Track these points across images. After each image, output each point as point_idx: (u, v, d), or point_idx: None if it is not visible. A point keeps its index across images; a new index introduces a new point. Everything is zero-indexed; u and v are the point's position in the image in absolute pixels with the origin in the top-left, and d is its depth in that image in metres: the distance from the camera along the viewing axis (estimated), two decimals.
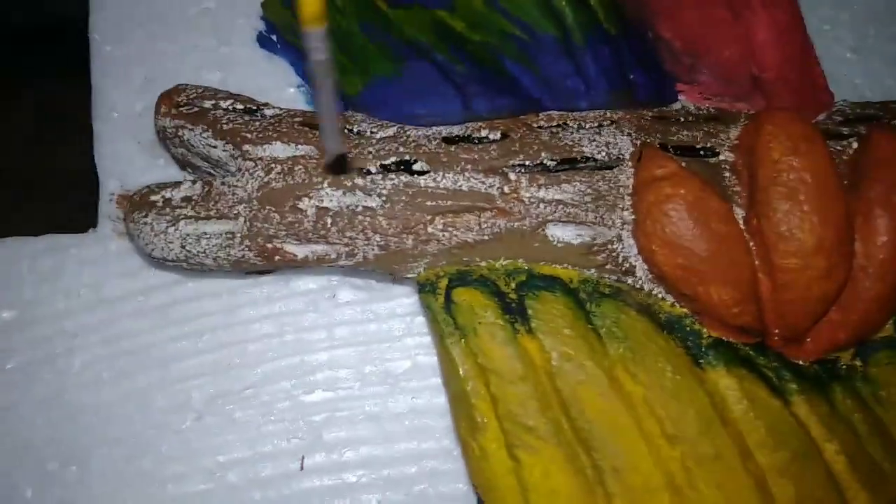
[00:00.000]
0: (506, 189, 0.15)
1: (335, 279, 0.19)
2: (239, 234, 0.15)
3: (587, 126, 0.16)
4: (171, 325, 0.18)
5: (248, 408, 0.18)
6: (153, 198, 0.15)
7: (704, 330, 0.16)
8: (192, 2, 0.20)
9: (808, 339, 0.16)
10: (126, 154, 0.19)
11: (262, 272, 0.18)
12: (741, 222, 0.15)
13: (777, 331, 0.15)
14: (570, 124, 0.16)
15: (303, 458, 0.18)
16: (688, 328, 0.16)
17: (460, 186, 0.15)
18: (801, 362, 0.16)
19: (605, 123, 0.16)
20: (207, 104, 0.16)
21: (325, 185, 0.15)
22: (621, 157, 0.16)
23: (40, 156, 0.22)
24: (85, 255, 0.18)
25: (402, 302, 0.19)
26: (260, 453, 0.18)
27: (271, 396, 0.18)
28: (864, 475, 0.15)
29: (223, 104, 0.16)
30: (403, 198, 0.15)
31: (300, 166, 0.15)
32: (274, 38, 0.20)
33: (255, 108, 0.16)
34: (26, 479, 0.17)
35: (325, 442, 0.18)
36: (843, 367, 0.16)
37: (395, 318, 0.19)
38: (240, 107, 0.16)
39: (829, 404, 0.16)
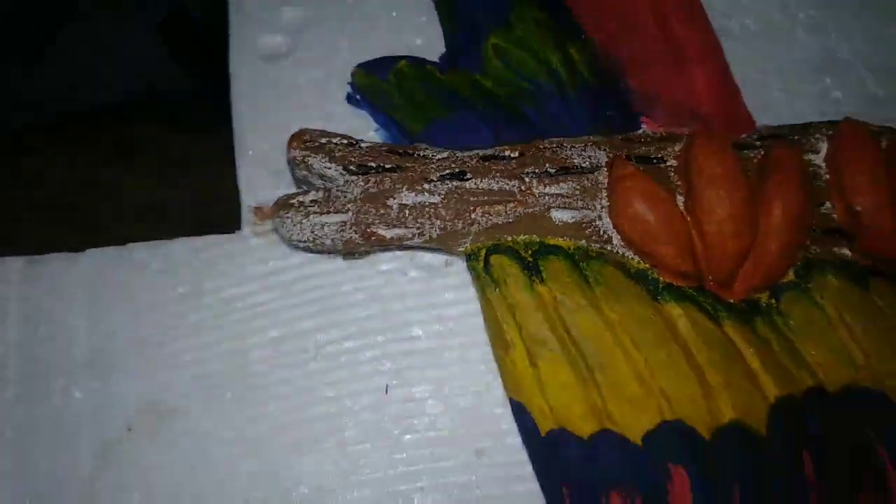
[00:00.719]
0: (522, 188, 0.23)
1: (406, 261, 0.27)
2: (348, 223, 0.23)
3: (576, 146, 0.23)
4: (293, 295, 0.26)
5: (348, 351, 0.26)
6: (291, 201, 0.23)
7: (660, 277, 0.23)
8: (299, 69, 0.28)
9: (735, 284, 0.23)
10: (259, 180, 0.27)
11: (358, 256, 0.25)
12: (681, 205, 0.22)
13: (710, 277, 0.22)
14: (565, 145, 0.24)
15: (387, 386, 0.25)
16: (649, 277, 0.23)
17: (492, 187, 0.23)
18: (731, 301, 0.23)
19: (588, 144, 0.23)
20: (323, 140, 0.24)
21: (404, 189, 0.23)
22: (599, 164, 0.23)
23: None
24: (234, 248, 0.26)
25: (452, 280, 0.27)
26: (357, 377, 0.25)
27: (364, 342, 0.26)
28: (774, 372, 0.21)
29: (334, 140, 0.24)
30: (455, 195, 0.23)
31: (388, 178, 0.23)
32: (358, 97, 0.28)
33: (354, 142, 0.24)
34: None
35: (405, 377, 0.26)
36: (763, 304, 0.23)
37: (449, 290, 0.27)
38: (344, 142, 0.24)
39: (752, 329, 0.22)
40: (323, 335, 0.26)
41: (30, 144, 0.35)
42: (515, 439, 0.24)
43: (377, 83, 0.26)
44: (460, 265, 0.26)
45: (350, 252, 0.25)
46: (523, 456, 0.24)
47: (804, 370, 0.22)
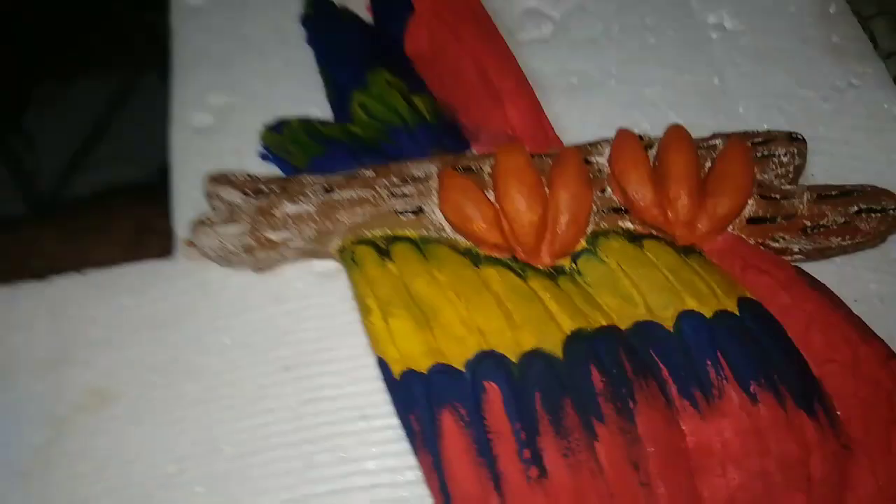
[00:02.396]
0: (375, 194, 0.30)
1: (305, 270, 0.33)
2: (246, 231, 0.30)
3: (416, 165, 0.31)
4: (212, 299, 0.32)
5: (257, 342, 0.31)
6: (203, 219, 0.30)
7: (481, 252, 0.29)
8: (223, 139, 0.36)
9: (541, 254, 0.29)
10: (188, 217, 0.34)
11: (265, 268, 0.31)
12: (491, 198, 0.29)
13: (519, 248, 0.29)
14: (409, 165, 0.31)
15: (288, 366, 0.31)
16: (472, 252, 0.29)
17: (353, 196, 0.30)
18: (540, 267, 0.29)
19: (425, 162, 0.31)
20: (230, 177, 0.31)
21: (286, 202, 0.30)
22: (432, 174, 0.30)
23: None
24: (167, 269, 0.33)
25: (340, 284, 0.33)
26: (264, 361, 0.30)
27: (269, 334, 0.32)
28: (569, 312, 0.27)
29: (238, 176, 0.31)
30: (325, 204, 0.30)
31: (274, 196, 0.30)
32: (268, 155, 0.35)
33: (253, 177, 0.31)
34: None
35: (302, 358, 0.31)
36: (567, 268, 0.29)
37: (338, 291, 0.33)
38: (247, 176, 0.31)
39: (555, 284, 0.28)
40: (236, 331, 0.32)
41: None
42: (389, 407, 0.30)
43: (277, 137, 0.33)
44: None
45: (257, 265, 0.31)
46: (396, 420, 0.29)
47: (598, 312, 0.27)
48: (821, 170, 0.34)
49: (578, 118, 0.37)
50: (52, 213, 0.47)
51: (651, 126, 0.36)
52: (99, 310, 0.32)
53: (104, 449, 0.29)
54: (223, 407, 0.30)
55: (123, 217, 0.43)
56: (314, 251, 0.30)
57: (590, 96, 0.37)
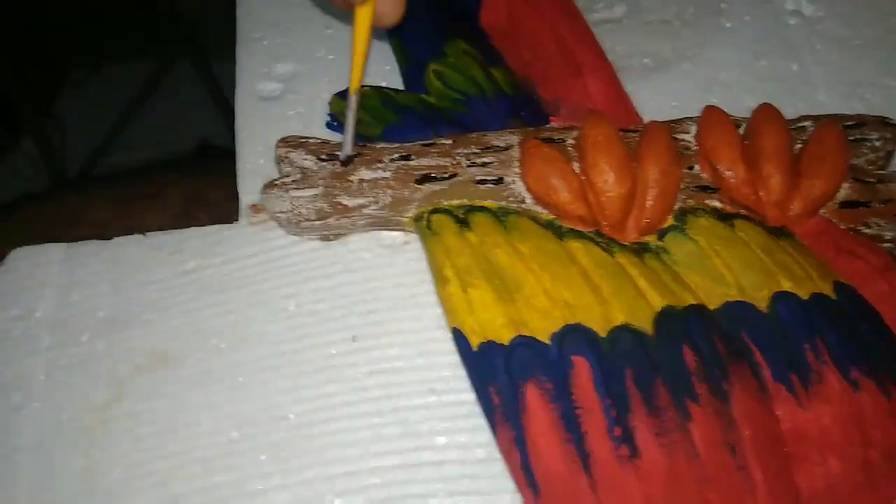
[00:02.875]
0: (454, 163, 0.29)
1: (372, 241, 0.32)
2: (319, 195, 0.28)
3: (498, 134, 0.30)
4: (279, 268, 0.31)
5: (323, 311, 0.30)
6: (276, 182, 0.29)
7: (564, 225, 0.28)
8: (289, 106, 0.36)
9: (627, 229, 0.28)
10: (255, 186, 0.33)
11: (332, 237, 0.30)
12: (577, 169, 0.28)
13: (605, 222, 0.27)
14: (489, 135, 0.30)
15: (354, 336, 0.30)
16: (555, 224, 0.28)
17: (430, 163, 0.29)
18: (625, 243, 0.28)
19: (504, 134, 0.30)
20: (301, 140, 0.30)
21: (362, 168, 0.29)
22: (512, 144, 0.29)
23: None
24: (232, 234, 0.32)
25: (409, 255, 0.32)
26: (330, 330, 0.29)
27: (335, 303, 0.30)
28: (658, 289, 0.26)
29: (310, 140, 0.30)
30: (402, 171, 0.29)
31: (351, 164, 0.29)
32: (335, 123, 0.34)
33: (326, 142, 0.30)
34: None
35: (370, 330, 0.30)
36: (651, 245, 0.28)
37: (408, 262, 0.32)
38: (318, 141, 0.30)
39: (641, 261, 0.27)
40: (302, 298, 0.31)
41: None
42: (461, 382, 0.29)
43: (346, 105, 0.32)
44: (416, 245, 0.32)
45: (326, 233, 0.30)
46: (468, 395, 0.28)
47: (686, 291, 0.26)
48: None
49: (651, 100, 0.35)
50: (102, 183, 0.47)
51: (726, 110, 0.35)
52: (162, 272, 0.31)
53: (165, 412, 0.28)
54: (288, 374, 0.28)
55: (175, 187, 0.42)
56: (387, 220, 0.29)
57: (663, 78, 0.36)
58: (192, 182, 0.43)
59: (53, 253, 0.31)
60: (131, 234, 0.33)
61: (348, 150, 0.29)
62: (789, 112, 0.34)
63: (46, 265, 0.31)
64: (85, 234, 0.33)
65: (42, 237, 0.33)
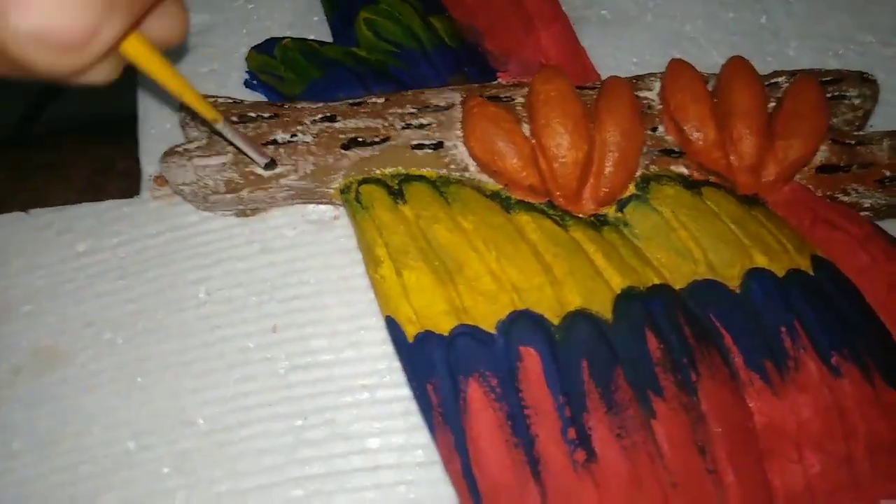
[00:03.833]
0: (386, 124, 0.25)
1: (296, 216, 0.29)
2: (228, 163, 0.25)
3: (437, 92, 0.26)
4: (188, 248, 0.27)
5: (239, 297, 0.26)
6: (177, 149, 0.25)
7: (512, 196, 0.25)
8: (202, 63, 0.31)
9: (583, 199, 0.25)
10: (158, 154, 0.29)
11: (249, 212, 0.27)
12: (527, 132, 0.25)
13: (558, 193, 0.24)
14: (427, 93, 0.26)
15: (275, 325, 0.26)
16: (502, 195, 0.25)
17: (359, 125, 0.25)
18: (581, 215, 0.25)
19: (445, 91, 0.26)
20: (210, 100, 0.26)
21: (279, 132, 0.25)
22: (454, 103, 0.25)
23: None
24: (132, 210, 0.28)
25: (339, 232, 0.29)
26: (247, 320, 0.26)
27: (254, 289, 0.27)
28: (618, 267, 0.23)
29: (219, 99, 0.26)
30: (326, 134, 0.25)
31: (265, 124, 0.25)
32: (254, 82, 0.30)
33: (237, 101, 0.26)
34: None
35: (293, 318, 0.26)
36: (611, 218, 0.25)
37: (337, 240, 0.28)
38: (230, 100, 0.26)
39: (599, 235, 0.24)
40: (214, 283, 0.27)
41: None
42: (396, 376, 0.25)
43: (266, 60, 0.28)
44: (346, 220, 0.28)
45: (241, 207, 0.27)
46: (405, 391, 0.25)
47: (649, 269, 0.23)
48: (881, 120, 0.31)
49: (611, 55, 0.32)
50: None
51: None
52: (48, 255, 0.26)
53: (49, 421, 0.24)
54: (197, 373, 0.25)
55: (81, 156, 0.38)
56: (311, 191, 0.25)
57: (623, 31, 0.33)
58: (106, 152, 0.38)
59: None
60: (28, 209, 0.28)
61: (262, 160, 0.24)
62: (759, 68, 0.30)
63: None
64: None
65: None
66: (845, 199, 0.26)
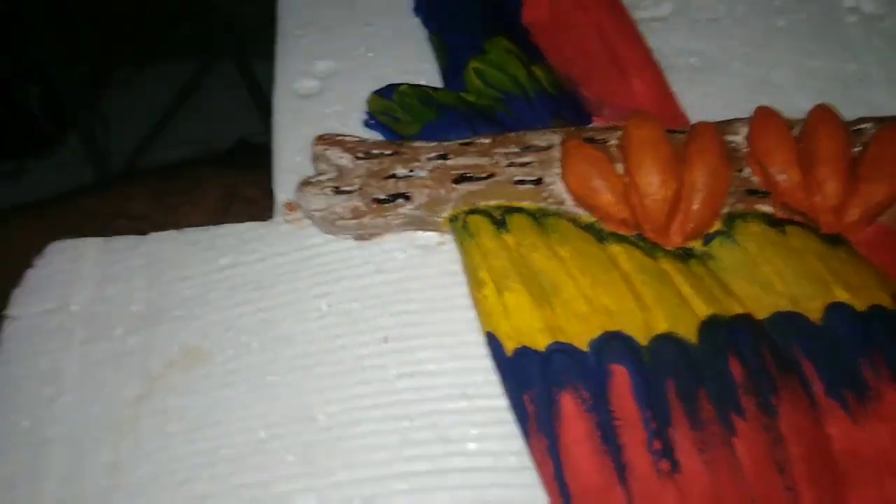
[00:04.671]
0: (492, 162, 0.28)
1: (406, 242, 0.32)
2: (355, 193, 0.28)
3: (539, 133, 0.29)
4: (312, 267, 0.31)
5: (355, 310, 0.29)
6: (311, 179, 0.29)
7: (605, 228, 0.27)
8: (326, 104, 0.35)
9: (671, 233, 0.27)
10: (291, 184, 0.33)
11: (367, 237, 0.30)
12: (620, 170, 0.27)
13: (648, 227, 0.27)
14: (529, 134, 0.29)
15: (386, 336, 0.29)
16: (596, 227, 0.27)
17: (468, 163, 0.28)
18: (669, 248, 0.27)
19: (545, 133, 0.29)
20: (338, 138, 0.30)
21: (399, 167, 0.28)
22: (554, 143, 0.28)
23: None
24: (267, 231, 0.32)
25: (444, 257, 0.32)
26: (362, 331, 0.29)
27: (368, 303, 0.30)
28: (704, 296, 0.25)
29: (347, 138, 0.30)
30: (439, 170, 0.28)
31: (387, 160, 0.29)
32: (373, 122, 0.34)
33: (363, 140, 0.30)
34: None
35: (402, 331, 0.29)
36: (697, 251, 0.27)
37: (441, 265, 0.31)
38: (356, 139, 0.30)
39: (686, 266, 0.26)
40: (335, 297, 0.30)
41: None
42: (494, 388, 0.28)
43: (385, 103, 0.32)
44: (451, 246, 0.31)
45: (360, 232, 0.30)
46: (501, 401, 0.27)
47: (733, 299, 0.25)
48: None
49: (699, 101, 0.34)
50: (138, 180, 0.48)
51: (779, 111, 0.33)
52: (195, 268, 0.31)
53: (195, 409, 0.28)
54: (318, 375, 0.28)
55: (212, 183, 0.43)
56: (423, 220, 0.29)
57: (712, 78, 0.35)
58: (230, 179, 0.43)
59: (90, 247, 0.31)
60: (168, 229, 0.33)
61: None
62: (846, 115, 0.32)
63: (83, 259, 0.31)
64: (123, 229, 0.34)
65: (82, 232, 0.33)
66: None
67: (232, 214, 0.36)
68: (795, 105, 0.34)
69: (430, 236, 0.32)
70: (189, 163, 0.49)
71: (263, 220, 0.33)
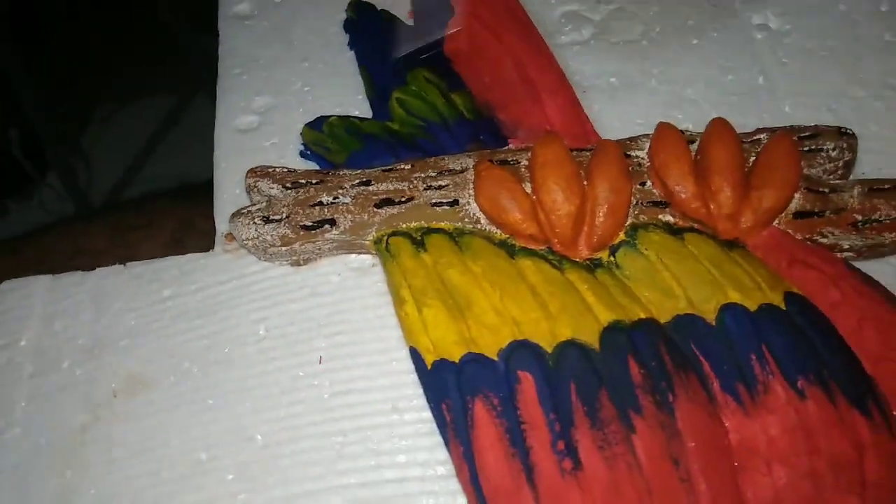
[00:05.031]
0: (411, 187, 0.30)
1: (340, 265, 0.33)
2: (283, 221, 0.30)
3: (453, 158, 0.31)
4: (251, 293, 0.33)
5: (292, 333, 0.31)
6: (243, 210, 0.30)
7: (517, 243, 0.29)
8: (265, 137, 0.37)
9: (578, 246, 0.28)
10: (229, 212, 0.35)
11: (302, 262, 0.32)
12: (528, 189, 0.29)
13: (556, 240, 0.28)
14: (446, 159, 0.31)
15: (320, 357, 0.31)
16: (508, 243, 0.29)
17: (389, 188, 0.30)
18: (577, 260, 0.29)
19: (461, 157, 0.31)
20: (269, 170, 0.31)
21: (324, 194, 0.30)
22: (468, 167, 0.30)
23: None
24: (208, 262, 0.33)
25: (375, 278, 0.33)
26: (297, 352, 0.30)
27: (304, 325, 0.32)
28: (607, 303, 0.26)
29: (277, 169, 0.31)
30: (362, 196, 0.30)
31: (312, 189, 0.30)
32: (308, 152, 0.36)
33: (291, 171, 0.32)
34: None
35: (336, 351, 0.31)
36: (604, 261, 0.28)
37: (374, 285, 0.33)
38: (285, 170, 0.31)
39: (592, 276, 0.28)
40: (272, 322, 0.32)
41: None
42: (422, 400, 0.29)
43: (316, 134, 0.34)
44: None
45: (294, 258, 0.32)
46: (429, 413, 0.29)
47: (637, 305, 0.27)
48: (873, 168, 0.33)
49: (618, 118, 0.36)
50: (102, 215, 0.49)
51: (693, 125, 0.35)
52: (140, 300, 0.32)
53: (139, 434, 0.29)
54: (256, 397, 0.30)
55: (167, 216, 0.45)
56: (350, 243, 0.30)
57: (630, 96, 0.37)
58: (186, 212, 0.45)
59: (40, 284, 0.33)
60: (125, 262, 0.34)
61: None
62: (755, 125, 0.34)
63: (33, 296, 0.33)
64: (82, 265, 0.35)
65: (41, 269, 0.35)
66: (824, 241, 0.28)
67: (186, 246, 0.38)
68: (708, 118, 0.36)
69: (364, 258, 0.33)
70: (148, 196, 0.51)
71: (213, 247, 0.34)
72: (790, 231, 0.28)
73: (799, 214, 0.28)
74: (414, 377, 0.30)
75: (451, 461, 0.27)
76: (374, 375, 0.30)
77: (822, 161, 0.30)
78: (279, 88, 0.39)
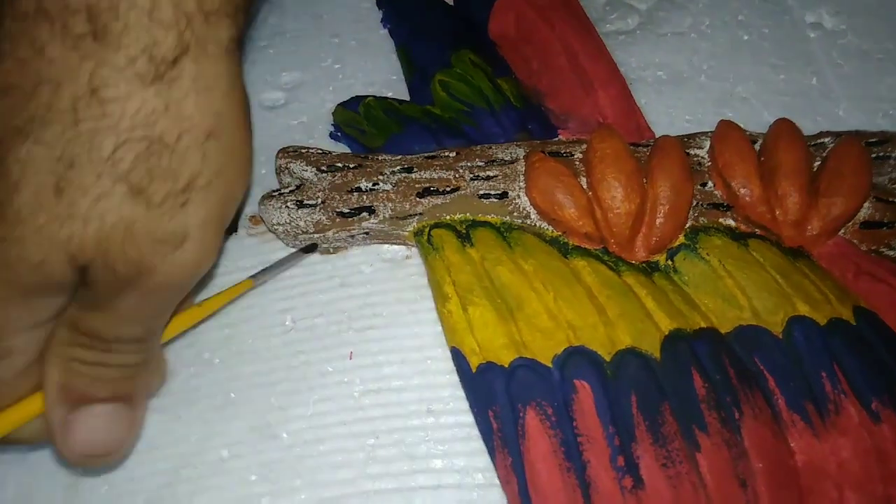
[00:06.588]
0: (457, 176, 0.28)
1: (373, 255, 0.31)
2: (318, 207, 0.28)
3: (502, 147, 0.29)
4: (277, 280, 0.31)
5: (320, 325, 0.29)
6: (273, 193, 0.28)
7: (570, 241, 0.27)
8: (292, 116, 0.35)
9: (635, 247, 0.27)
10: (255, 196, 0.33)
11: (332, 250, 0.30)
12: (584, 185, 0.27)
13: (612, 240, 0.26)
14: (494, 148, 0.29)
15: (351, 352, 0.29)
16: (560, 241, 0.27)
17: (433, 176, 0.28)
18: (634, 262, 0.27)
19: (510, 146, 0.29)
20: (302, 151, 0.29)
21: (363, 180, 0.28)
22: (518, 157, 0.28)
23: None
24: (231, 245, 0.31)
25: (410, 270, 0.31)
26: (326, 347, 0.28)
27: (333, 318, 0.30)
28: (667, 310, 0.25)
29: (311, 150, 0.29)
30: (403, 184, 0.28)
31: (350, 173, 0.28)
32: (339, 133, 0.34)
33: (326, 152, 0.29)
34: None
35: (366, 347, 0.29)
36: (661, 265, 0.27)
37: (408, 278, 0.31)
38: (319, 151, 0.29)
39: (650, 280, 0.26)
40: (299, 312, 0.30)
41: None
42: (460, 403, 0.28)
43: (351, 115, 0.32)
44: (417, 260, 0.31)
45: (325, 245, 0.30)
46: (467, 417, 0.27)
47: (697, 314, 0.25)
48: None
49: (666, 114, 0.34)
50: None
51: (744, 125, 0.33)
52: None
53: (155, 427, 0.27)
54: (281, 392, 0.28)
55: None
56: (388, 234, 0.28)
57: (678, 91, 0.35)
58: None
59: None
60: None
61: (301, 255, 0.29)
62: (808, 128, 0.32)
63: None
64: None
65: None
66: (889, 252, 0.27)
67: None
68: (760, 118, 0.35)
69: (397, 249, 0.31)
70: None
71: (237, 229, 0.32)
72: (856, 241, 0.27)
73: (866, 224, 0.27)
74: (450, 378, 0.28)
75: (492, 470, 0.25)
76: (408, 374, 0.28)
77: (889, 169, 0.28)
78: (307, 64, 0.37)
